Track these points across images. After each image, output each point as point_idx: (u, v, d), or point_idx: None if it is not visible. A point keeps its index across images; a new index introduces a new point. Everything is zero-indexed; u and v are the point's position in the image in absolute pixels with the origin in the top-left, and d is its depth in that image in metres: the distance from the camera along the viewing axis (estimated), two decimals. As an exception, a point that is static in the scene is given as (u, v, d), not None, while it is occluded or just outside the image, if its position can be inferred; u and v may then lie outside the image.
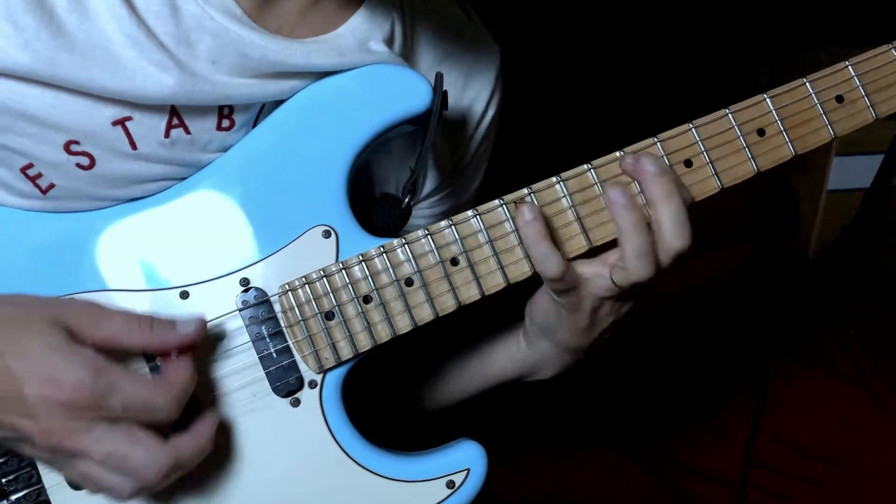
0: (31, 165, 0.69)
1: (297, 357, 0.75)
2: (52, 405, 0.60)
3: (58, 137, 0.68)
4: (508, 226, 0.75)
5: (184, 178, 0.74)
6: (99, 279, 0.72)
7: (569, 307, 0.77)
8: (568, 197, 0.75)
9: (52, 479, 0.71)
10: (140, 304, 0.72)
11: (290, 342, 0.74)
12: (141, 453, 0.62)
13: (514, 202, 0.74)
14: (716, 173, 0.76)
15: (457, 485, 0.77)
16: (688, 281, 1.21)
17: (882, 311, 1.80)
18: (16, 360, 0.60)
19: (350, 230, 0.75)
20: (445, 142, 0.88)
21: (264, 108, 0.75)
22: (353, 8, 0.77)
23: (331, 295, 0.74)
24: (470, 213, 0.75)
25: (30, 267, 0.72)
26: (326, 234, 0.75)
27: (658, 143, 0.75)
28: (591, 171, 0.75)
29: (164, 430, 0.65)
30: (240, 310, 0.74)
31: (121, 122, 0.69)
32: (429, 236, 0.75)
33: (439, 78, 0.77)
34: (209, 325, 0.71)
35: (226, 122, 0.73)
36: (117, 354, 0.65)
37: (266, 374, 0.74)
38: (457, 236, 0.75)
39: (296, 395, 0.75)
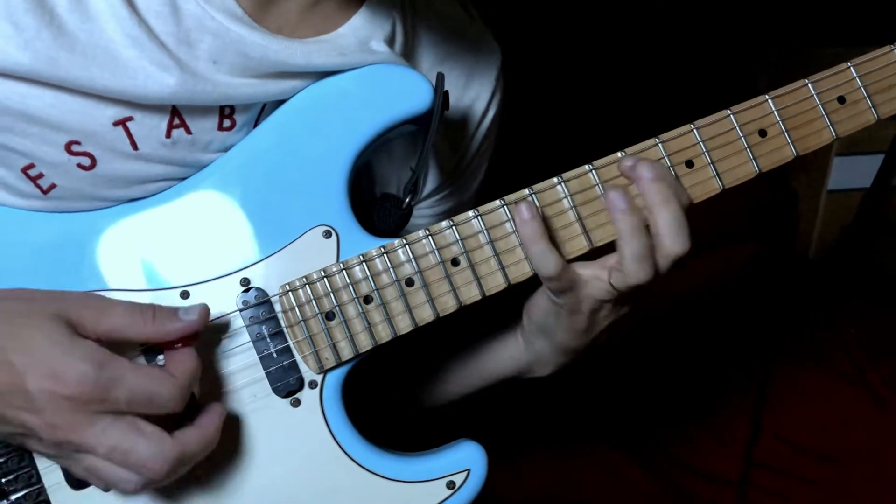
0: (32, 166, 0.69)
1: (298, 357, 0.74)
2: (56, 399, 0.60)
3: (59, 138, 0.68)
4: (509, 226, 0.75)
5: (184, 178, 0.74)
6: (99, 279, 0.72)
7: (567, 308, 0.76)
8: (569, 197, 0.75)
9: (52, 479, 0.71)
10: (140, 304, 0.72)
11: (290, 342, 0.74)
12: (146, 446, 0.62)
13: (516, 202, 0.74)
14: (717, 174, 0.76)
15: (457, 485, 0.77)
16: (688, 281, 1.21)
17: (882, 311, 1.79)
18: (18, 354, 0.60)
19: (351, 230, 0.75)
20: (446, 142, 0.88)
21: (265, 108, 0.75)
22: (354, 8, 0.77)
23: (331, 295, 0.74)
24: (471, 213, 0.75)
25: (30, 267, 0.72)
26: (327, 235, 0.75)
27: (659, 144, 0.75)
28: (593, 171, 0.75)
29: (169, 426, 0.65)
30: (240, 310, 0.74)
31: (122, 123, 0.69)
32: (430, 237, 0.75)
33: (440, 78, 0.77)
34: (210, 321, 0.71)
35: (227, 123, 0.73)
36: (119, 347, 0.64)
37: (266, 374, 0.74)
38: (458, 237, 0.75)
39: (296, 396, 0.75)
